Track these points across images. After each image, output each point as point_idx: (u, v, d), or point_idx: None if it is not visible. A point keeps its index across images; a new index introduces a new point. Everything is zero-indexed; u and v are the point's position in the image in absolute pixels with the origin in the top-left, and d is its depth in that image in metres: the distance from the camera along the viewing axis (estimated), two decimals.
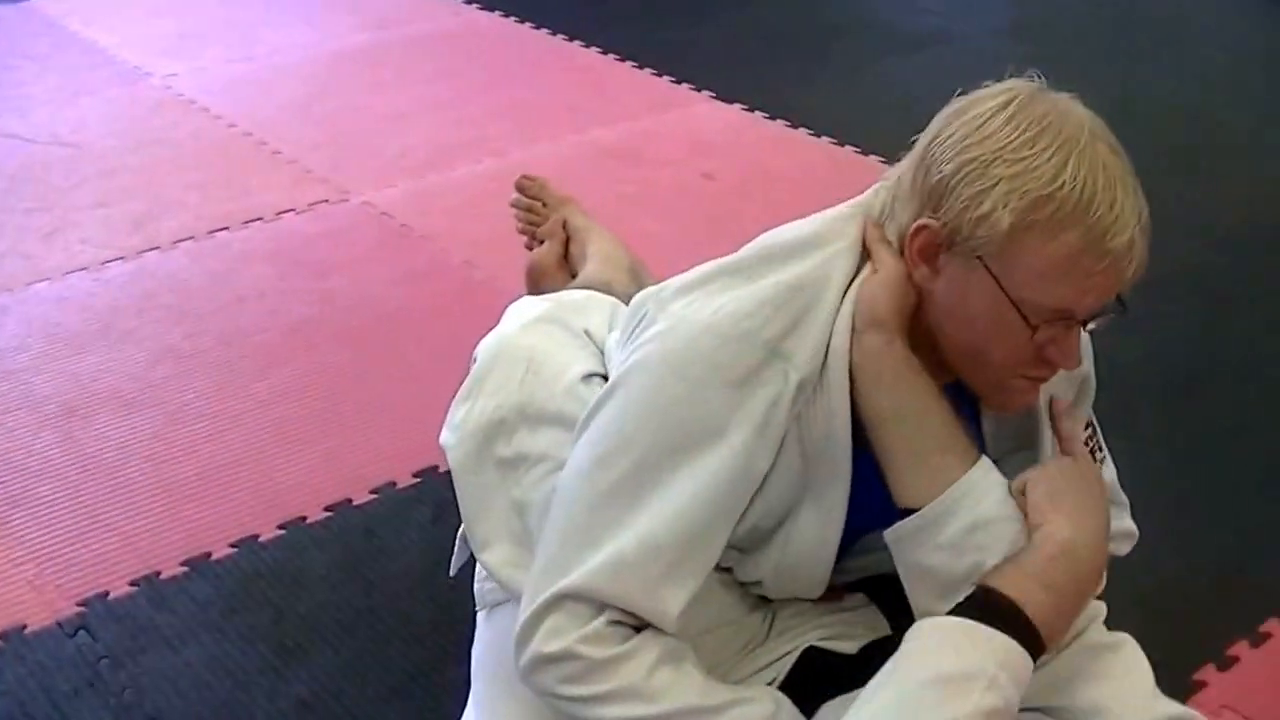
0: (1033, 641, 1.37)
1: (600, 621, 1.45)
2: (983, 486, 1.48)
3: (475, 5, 5.39)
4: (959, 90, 1.51)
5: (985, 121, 1.43)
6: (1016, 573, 1.41)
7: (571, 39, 5.06)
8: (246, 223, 3.69)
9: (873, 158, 4.04)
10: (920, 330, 1.52)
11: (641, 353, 1.52)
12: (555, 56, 4.99)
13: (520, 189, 2.70)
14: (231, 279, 3.42)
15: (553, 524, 1.53)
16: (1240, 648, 2.31)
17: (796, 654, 1.67)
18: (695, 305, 1.52)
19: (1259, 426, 2.94)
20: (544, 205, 2.69)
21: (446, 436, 1.85)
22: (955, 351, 1.51)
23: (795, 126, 4.32)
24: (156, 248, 3.57)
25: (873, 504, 1.54)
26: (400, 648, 2.28)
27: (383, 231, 3.67)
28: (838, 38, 5.16)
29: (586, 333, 1.90)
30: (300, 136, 4.23)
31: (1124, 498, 1.80)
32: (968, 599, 1.40)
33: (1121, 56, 5.04)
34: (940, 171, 1.44)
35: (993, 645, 1.34)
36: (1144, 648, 1.55)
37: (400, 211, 3.74)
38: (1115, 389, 2.79)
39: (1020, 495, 1.48)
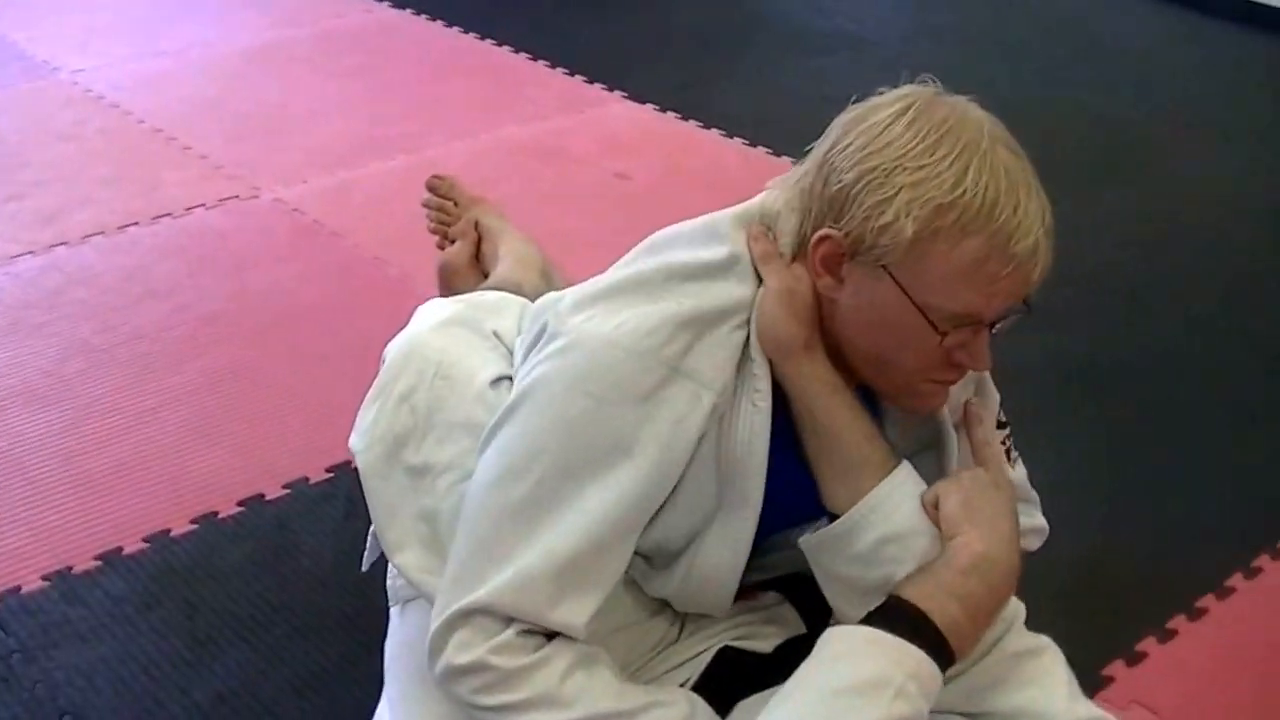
0: (942, 652, 1.38)
1: (510, 632, 1.46)
2: (895, 500, 1.50)
3: (386, 3, 5.38)
4: (854, 97, 1.52)
5: (885, 129, 1.43)
6: (928, 584, 1.42)
7: (484, 37, 5.06)
8: (156, 218, 3.67)
9: (785, 158, 4.06)
10: (825, 337, 1.53)
11: (544, 368, 1.51)
12: (468, 54, 4.99)
13: (431, 188, 2.69)
14: (142, 274, 3.40)
15: (461, 534, 1.54)
16: (1149, 643, 2.35)
17: (711, 654, 1.69)
18: (596, 320, 1.51)
19: (1172, 425, 2.99)
20: (455, 205, 2.69)
21: (355, 440, 1.84)
22: (862, 358, 1.52)
23: (708, 127, 4.36)
24: (66, 243, 3.54)
25: (792, 503, 1.57)
26: (315, 641, 2.28)
27: (294, 228, 3.66)
28: (750, 39, 5.20)
29: (496, 334, 1.89)
30: (210, 132, 4.20)
31: (1034, 494, 1.82)
32: (879, 609, 1.42)
33: (1032, 61, 5.13)
34: (840, 181, 1.44)
35: (901, 655, 1.36)
36: (1055, 642, 1.58)
37: (311, 208, 3.74)
38: (1030, 386, 2.94)
39: (933, 507, 1.50)
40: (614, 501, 1.47)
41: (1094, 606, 2.41)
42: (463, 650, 1.46)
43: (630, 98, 4.58)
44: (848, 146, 1.45)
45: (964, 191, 1.38)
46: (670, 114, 4.46)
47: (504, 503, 1.49)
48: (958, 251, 1.40)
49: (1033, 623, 1.59)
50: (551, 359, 1.50)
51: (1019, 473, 1.77)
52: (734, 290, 1.52)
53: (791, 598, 1.76)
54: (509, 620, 1.46)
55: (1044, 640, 1.57)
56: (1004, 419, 1.75)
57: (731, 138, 4.28)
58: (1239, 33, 5.42)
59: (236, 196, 3.80)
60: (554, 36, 5.09)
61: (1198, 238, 3.84)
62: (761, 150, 4.18)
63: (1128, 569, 2.54)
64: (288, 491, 2.64)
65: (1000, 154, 1.42)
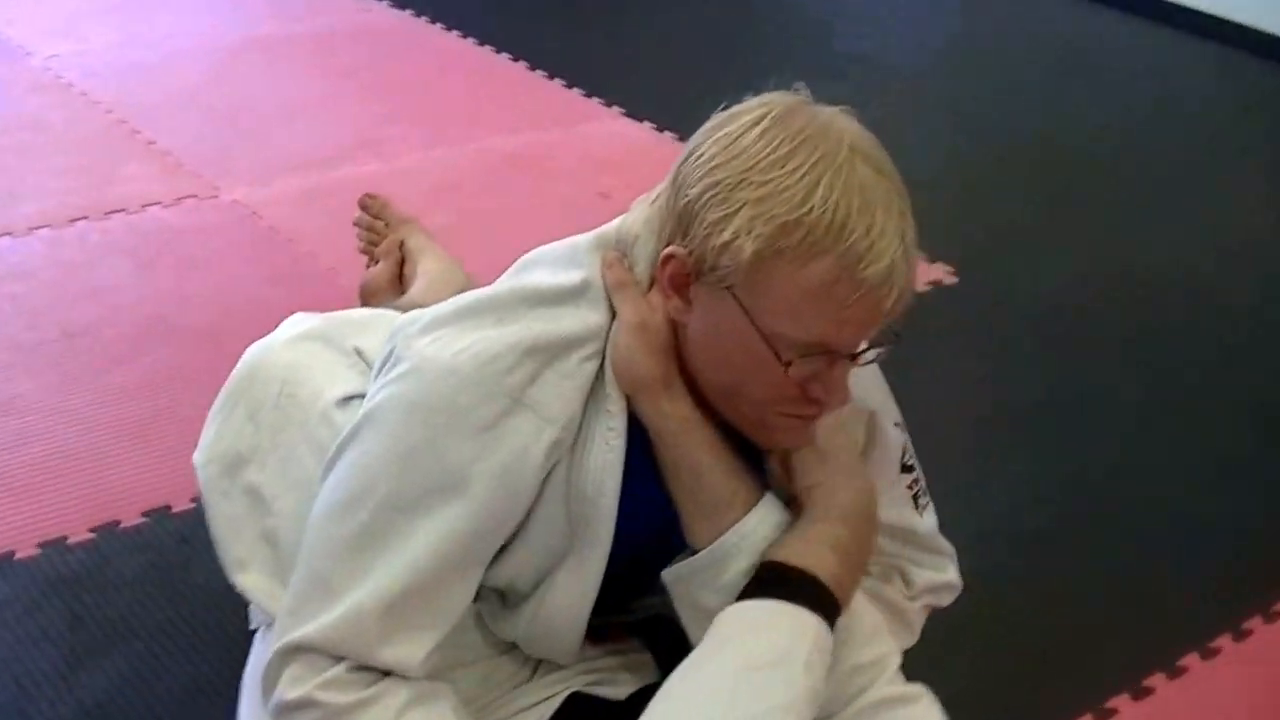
0: (831, 606, 1.37)
1: (340, 668, 1.39)
2: (760, 532, 1.43)
3: (387, 3, 5.20)
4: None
5: (736, 139, 1.33)
6: (800, 542, 1.40)
7: (484, 44, 4.87)
8: (108, 214, 3.49)
9: None
10: (683, 367, 1.43)
11: (385, 393, 1.44)
12: (465, 60, 4.80)
13: (363, 207, 2.63)
14: (86, 271, 3.24)
15: (300, 563, 1.47)
16: (1121, 700, 2.22)
17: (560, 699, 1.62)
18: (440, 344, 1.43)
19: (1144, 474, 2.85)
20: (386, 225, 2.62)
21: (197, 455, 1.79)
22: (711, 388, 1.43)
23: None
24: (11, 234, 3.37)
25: (655, 540, 1.50)
26: (194, 659, 2.17)
27: (249, 231, 3.48)
28: (763, 59, 4.97)
29: (359, 351, 1.82)
30: (180, 127, 4.02)
31: (947, 546, 1.74)
32: (760, 579, 1.39)
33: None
34: (687, 195, 1.34)
35: (801, 624, 1.34)
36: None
37: (270, 212, 3.56)
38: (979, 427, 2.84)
39: (782, 465, 1.47)
40: (444, 538, 1.40)
41: (1064, 660, 2.30)
42: (294, 685, 1.40)
43: (628, 114, 4.39)
44: (700, 157, 1.35)
45: (811, 209, 1.28)
46: (667, 134, 4.26)
47: (339, 535, 1.43)
48: (804, 274, 1.30)
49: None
50: (393, 384, 1.43)
51: (928, 522, 1.71)
52: (585, 318, 1.44)
53: (652, 642, 1.70)
54: (340, 657, 1.40)
55: (917, 688, 1.51)
56: (910, 462, 1.67)
57: None
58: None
59: (195, 196, 3.62)
60: (557, 47, 4.90)
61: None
62: None
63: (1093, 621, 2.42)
64: (194, 505, 2.44)
65: (859, 169, 1.30)
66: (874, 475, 1.62)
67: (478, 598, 1.59)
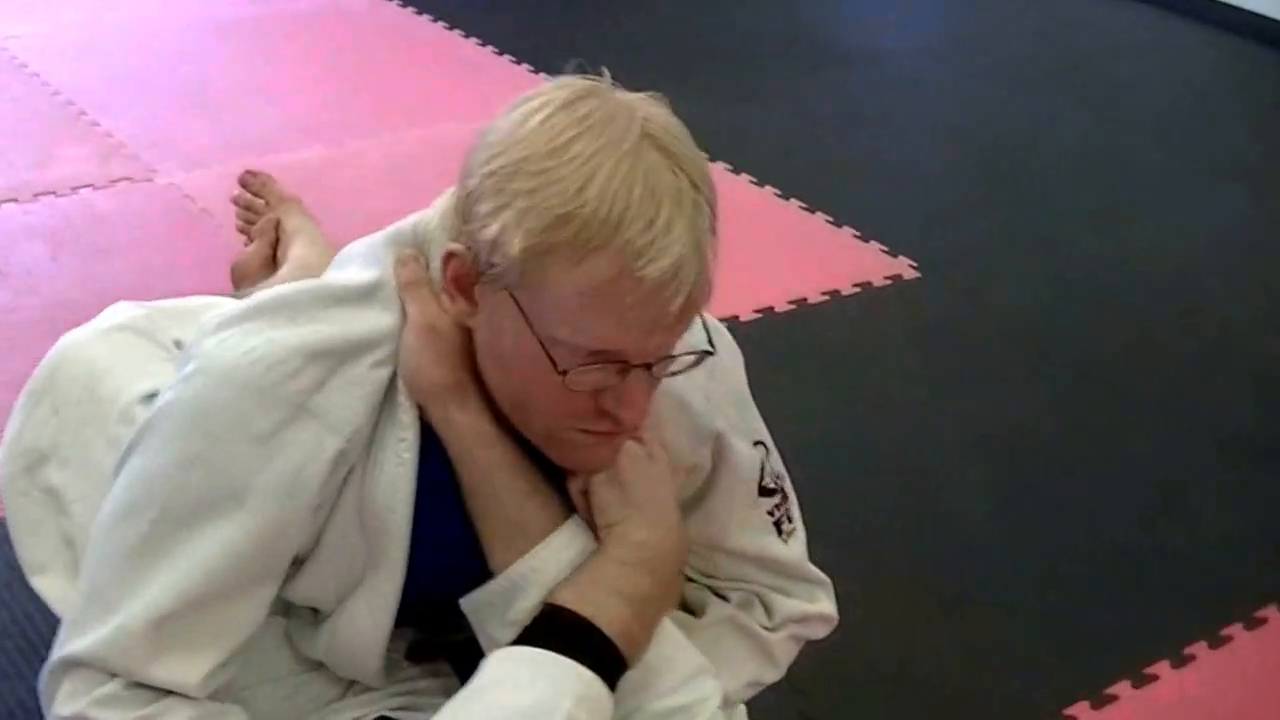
0: (613, 661, 1.26)
1: (114, 685, 1.30)
2: (552, 567, 1.31)
3: None
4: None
5: (519, 125, 1.20)
6: (588, 584, 1.29)
7: (468, 35, 4.72)
8: (38, 195, 3.40)
9: (744, 175, 3.77)
10: (478, 374, 1.31)
11: (171, 394, 1.33)
12: (439, 49, 4.66)
13: (243, 184, 2.51)
14: None
15: (83, 573, 1.39)
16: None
17: None
18: (228, 344, 1.31)
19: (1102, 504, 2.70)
20: (266, 204, 2.50)
21: None
22: (503, 399, 1.31)
23: None
24: None
25: (458, 563, 1.38)
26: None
27: (180, 215, 3.37)
28: (757, 50, 4.85)
29: (177, 343, 1.71)
30: (128, 110, 3.92)
31: (820, 575, 1.63)
32: (537, 621, 1.28)
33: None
34: (468, 185, 1.22)
35: (565, 676, 1.23)
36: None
37: (205, 195, 3.44)
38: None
39: (582, 495, 1.34)
40: (221, 554, 1.30)
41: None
42: (68, 701, 1.31)
43: None
44: (486, 144, 1.22)
45: (586, 201, 1.15)
46: None
47: (117, 545, 1.33)
48: (578, 272, 1.16)
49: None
50: (180, 384, 1.32)
51: (793, 549, 1.60)
52: (377, 321, 1.33)
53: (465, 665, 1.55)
54: (114, 673, 1.31)
55: None
56: (772, 485, 1.55)
57: (714, 160, 3.94)
58: None
59: (129, 179, 3.52)
60: (540, 37, 4.75)
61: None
62: (745, 178, 3.84)
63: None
64: None
65: (647, 157, 1.17)
66: (723, 499, 1.52)
67: (289, 613, 1.51)
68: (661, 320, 1.19)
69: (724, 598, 1.59)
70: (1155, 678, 2.24)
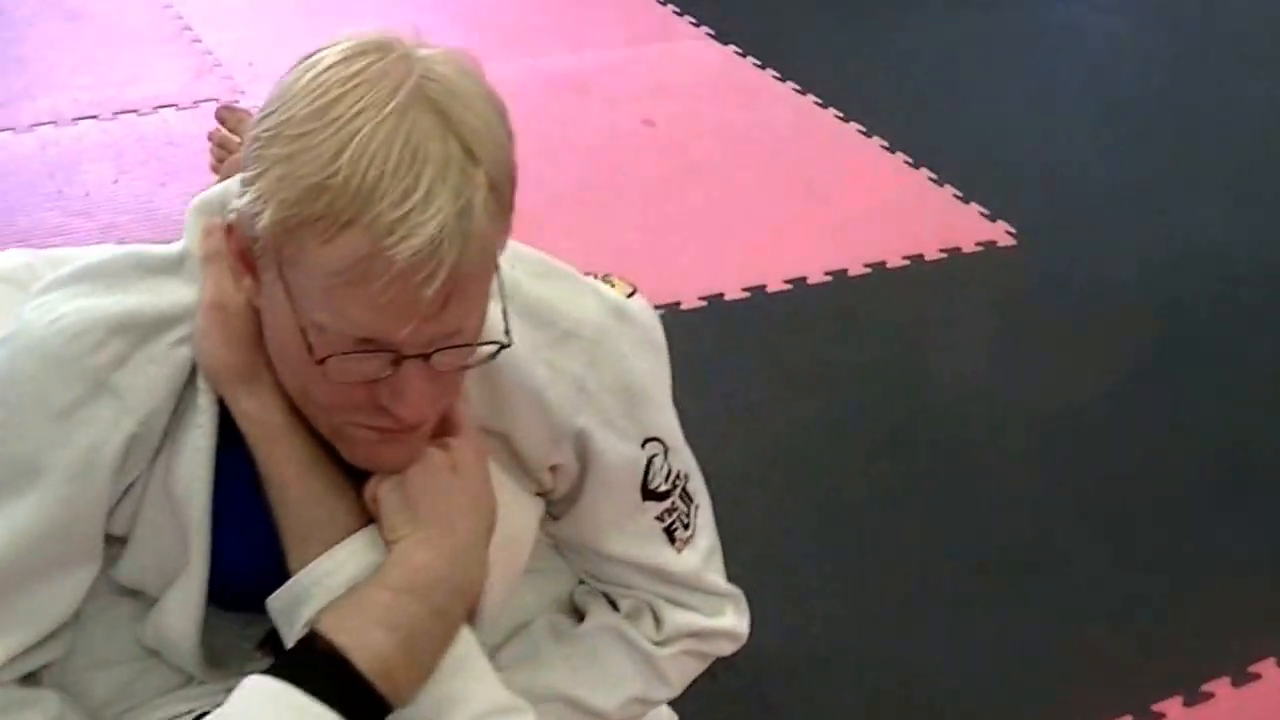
0: (368, 700, 1.12)
1: None
2: (334, 580, 1.19)
3: None
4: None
5: (293, 82, 1.07)
6: (352, 610, 1.16)
7: None
8: (118, 114, 3.37)
9: (853, 125, 3.57)
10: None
11: None
12: None
13: (219, 120, 2.35)
14: (65, 174, 3.11)
15: None
16: None
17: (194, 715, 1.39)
18: (43, 310, 1.21)
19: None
20: (240, 142, 2.32)
21: None
22: (286, 388, 1.19)
23: (784, 79, 3.85)
24: (12, 129, 3.27)
25: (270, 562, 1.25)
26: None
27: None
28: None
29: None
30: (232, 26, 3.87)
31: (727, 588, 1.49)
32: (299, 645, 1.16)
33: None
34: (244, 149, 1.10)
35: (304, 716, 1.10)
36: None
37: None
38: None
39: (374, 502, 1.21)
40: (16, 535, 1.21)
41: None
42: None
43: (715, 36, 4.09)
44: (267, 103, 1.09)
45: (339, 170, 1.01)
46: (749, 59, 3.96)
47: None
48: (330, 250, 1.03)
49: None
50: None
51: (687, 559, 1.45)
52: (182, 295, 1.22)
53: None
54: None
55: None
56: (664, 488, 1.41)
57: (804, 94, 3.77)
58: None
59: (214, 99, 3.37)
60: None
61: None
62: (831, 113, 3.66)
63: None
64: None
65: (415, 120, 1.03)
66: (593, 501, 1.39)
67: (139, 597, 1.41)
68: (416, 306, 1.05)
69: (615, 604, 1.47)
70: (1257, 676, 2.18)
